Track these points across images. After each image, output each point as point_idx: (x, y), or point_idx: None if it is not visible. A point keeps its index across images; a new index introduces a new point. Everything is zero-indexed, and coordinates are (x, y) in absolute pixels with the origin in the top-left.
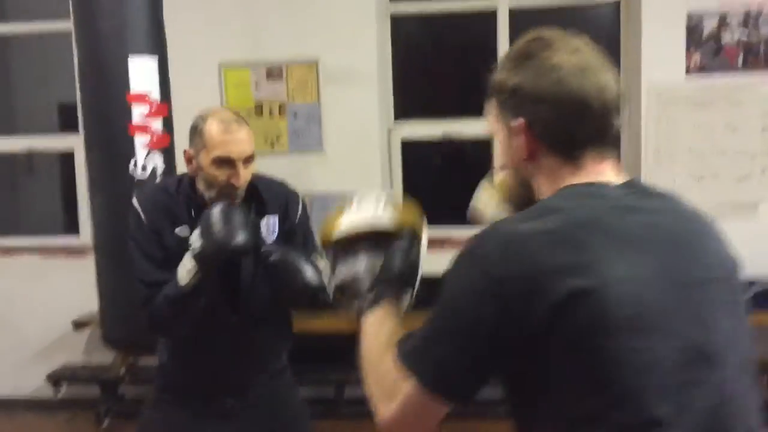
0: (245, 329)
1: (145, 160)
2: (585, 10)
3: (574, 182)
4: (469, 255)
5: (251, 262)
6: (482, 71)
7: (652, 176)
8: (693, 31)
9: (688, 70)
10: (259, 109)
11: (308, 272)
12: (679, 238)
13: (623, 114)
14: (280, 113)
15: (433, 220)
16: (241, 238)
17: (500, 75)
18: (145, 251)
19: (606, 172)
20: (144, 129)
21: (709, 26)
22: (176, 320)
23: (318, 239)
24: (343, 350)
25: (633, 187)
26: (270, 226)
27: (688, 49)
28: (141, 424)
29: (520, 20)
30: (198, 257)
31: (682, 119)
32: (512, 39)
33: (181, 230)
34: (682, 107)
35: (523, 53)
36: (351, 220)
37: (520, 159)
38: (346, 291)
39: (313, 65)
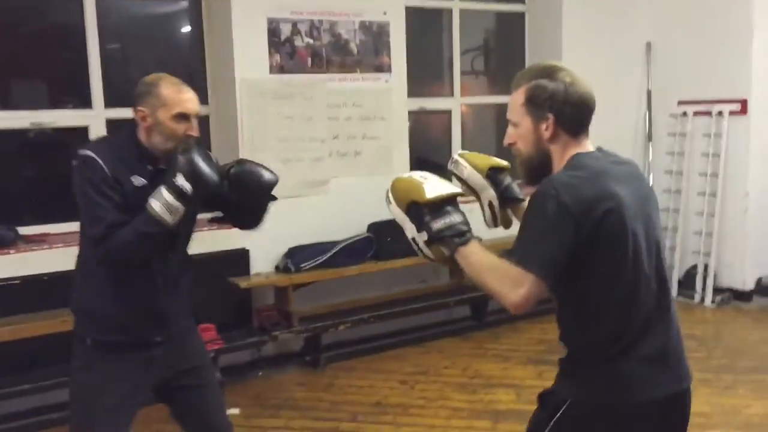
0: (175, 269)
1: None
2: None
3: (579, 152)
4: (545, 194)
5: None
6: (72, 59)
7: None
8: (272, 34)
9: (271, 69)
10: None
11: (265, 172)
12: (636, 177)
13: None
14: None
15: (28, 219)
16: (217, 175)
17: (536, 84)
18: (107, 195)
19: (589, 145)
20: None
21: (285, 31)
22: (141, 254)
23: (397, 200)
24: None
25: (602, 151)
26: None
27: (269, 50)
28: (77, 385)
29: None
30: (189, 197)
31: (269, 111)
32: (101, 25)
33: (136, 180)
34: (269, 100)
35: (548, 73)
36: (436, 188)
37: (544, 139)
38: (446, 234)
39: None
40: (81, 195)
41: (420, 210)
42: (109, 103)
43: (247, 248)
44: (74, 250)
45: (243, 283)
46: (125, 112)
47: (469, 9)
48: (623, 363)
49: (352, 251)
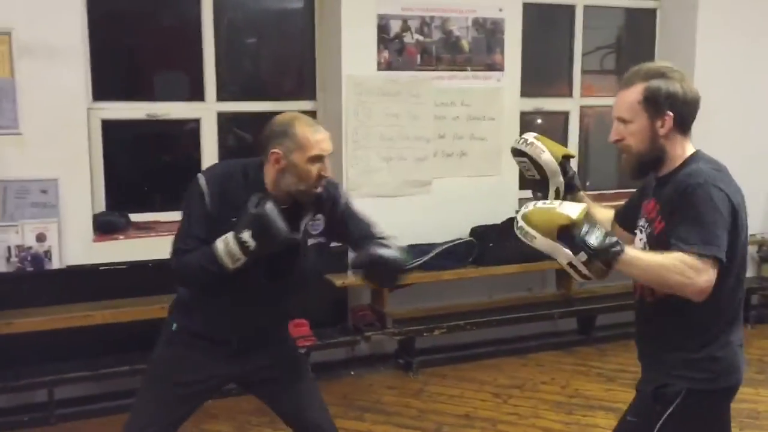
0: (273, 291)
1: None
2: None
3: (697, 150)
4: (712, 185)
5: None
6: (187, 53)
7: (352, 158)
8: (382, 31)
9: (379, 66)
10: None
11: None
12: None
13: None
14: None
15: (139, 206)
16: (286, 236)
17: (655, 84)
18: (193, 222)
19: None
20: None
21: (395, 28)
22: (201, 283)
23: (543, 232)
24: (53, 349)
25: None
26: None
27: (378, 47)
28: (154, 359)
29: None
30: (251, 253)
31: (375, 108)
32: (216, 20)
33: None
34: (375, 97)
35: (663, 73)
36: (573, 209)
37: (659, 136)
38: (605, 246)
39: (5, 35)
40: (182, 210)
41: (571, 233)
42: (221, 96)
43: (344, 246)
44: None
45: (338, 281)
46: (235, 106)
47: (594, 5)
48: (730, 349)
49: (452, 254)
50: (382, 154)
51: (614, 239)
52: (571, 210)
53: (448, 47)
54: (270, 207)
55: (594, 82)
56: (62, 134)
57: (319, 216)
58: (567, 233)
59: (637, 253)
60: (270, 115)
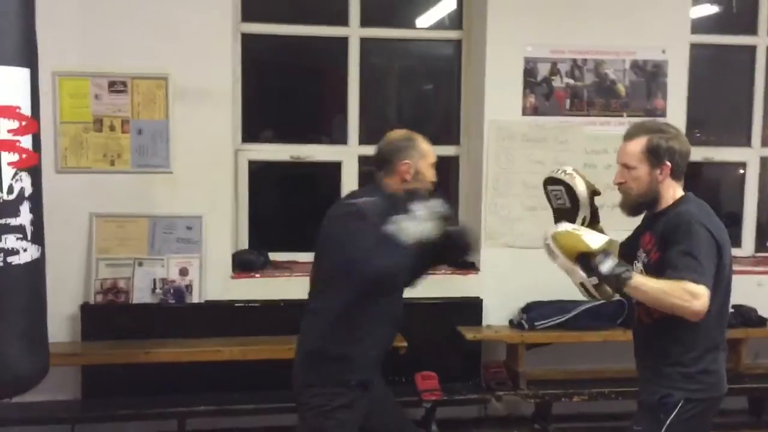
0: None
1: (12, 181)
2: (429, 42)
3: (686, 192)
4: (700, 224)
5: None
6: (332, 96)
7: (492, 205)
8: (529, 74)
9: (524, 111)
10: (98, 124)
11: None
12: None
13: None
14: (123, 129)
15: (279, 245)
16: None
17: (656, 139)
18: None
19: None
20: (11, 146)
21: (543, 71)
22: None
23: (565, 253)
24: (184, 380)
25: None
26: None
27: (524, 91)
28: (336, 427)
29: (368, 48)
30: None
31: (518, 154)
32: (362, 66)
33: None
34: (519, 143)
35: (661, 128)
36: (595, 239)
37: (658, 182)
38: (615, 273)
39: (162, 80)
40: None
41: (588, 258)
42: (363, 140)
43: (481, 297)
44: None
45: (469, 335)
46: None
47: None
48: (721, 361)
49: (598, 314)
50: (525, 203)
51: (624, 267)
52: (593, 240)
53: (602, 91)
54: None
55: None
56: (210, 174)
57: None
58: (584, 258)
59: (643, 280)
60: None
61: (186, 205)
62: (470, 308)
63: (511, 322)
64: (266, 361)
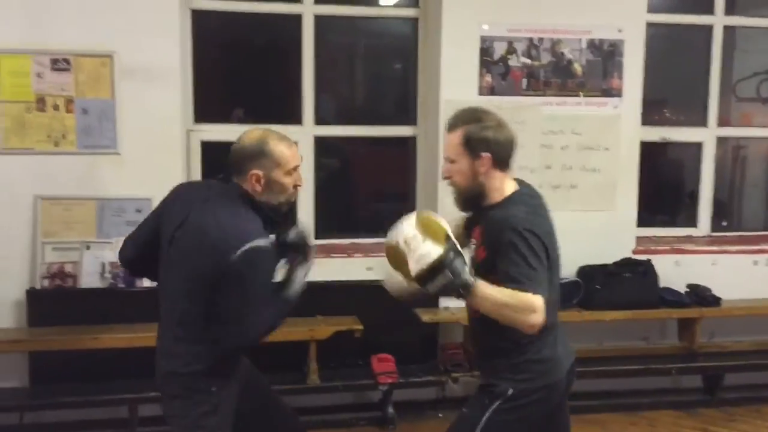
0: None
1: None
2: (385, 21)
3: (515, 190)
4: (527, 231)
5: None
6: (287, 75)
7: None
8: (485, 53)
9: (480, 90)
10: (41, 103)
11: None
12: (545, 207)
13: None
14: (67, 109)
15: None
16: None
17: (472, 129)
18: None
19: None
20: None
21: (499, 51)
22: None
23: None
24: (135, 365)
25: (522, 184)
26: None
27: (480, 71)
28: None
29: (324, 26)
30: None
31: None
32: (318, 44)
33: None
34: None
35: (478, 117)
36: (419, 260)
37: (480, 174)
38: (446, 293)
39: (107, 57)
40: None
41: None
42: (318, 120)
43: None
44: None
45: (426, 317)
46: (332, 130)
47: (748, 26)
48: (551, 346)
49: None
50: None
51: (458, 284)
52: (415, 263)
53: (559, 71)
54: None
55: (753, 110)
56: (159, 155)
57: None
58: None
59: (488, 290)
60: (367, 140)
61: (134, 186)
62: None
63: None
64: None
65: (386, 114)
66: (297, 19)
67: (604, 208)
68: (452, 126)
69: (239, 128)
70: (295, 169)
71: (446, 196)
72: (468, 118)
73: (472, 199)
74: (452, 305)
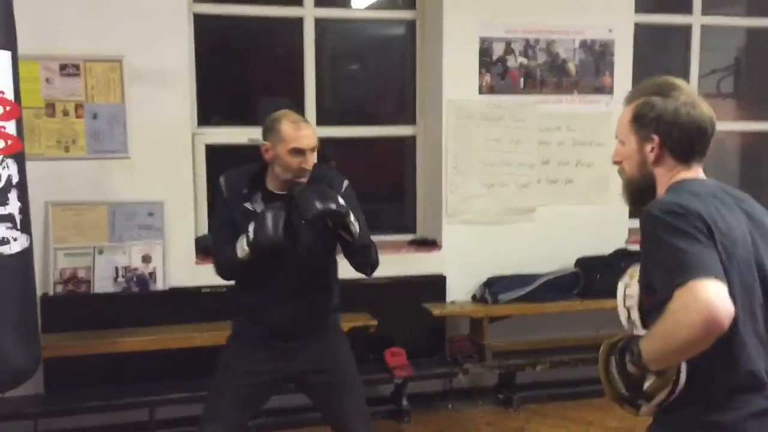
0: (292, 283)
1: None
2: (384, 24)
3: (686, 177)
4: (661, 210)
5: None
6: (288, 77)
7: (452, 183)
8: (484, 54)
9: (480, 90)
10: (50, 109)
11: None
12: (752, 208)
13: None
14: (77, 114)
15: None
16: (278, 238)
17: (645, 102)
18: (219, 218)
19: (701, 173)
20: None
21: (498, 51)
22: (234, 274)
23: None
24: (152, 369)
25: (716, 182)
26: None
27: (480, 70)
28: (222, 353)
29: (323, 29)
30: (250, 246)
31: (476, 133)
32: (318, 47)
33: (248, 205)
34: (477, 122)
35: (662, 89)
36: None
37: (648, 161)
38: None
39: (116, 62)
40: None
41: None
42: (321, 121)
43: (444, 274)
44: None
45: (436, 311)
46: (334, 131)
47: (713, 25)
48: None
49: (556, 286)
50: (484, 180)
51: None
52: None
53: (554, 70)
54: (271, 209)
55: (715, 105)
56: (169, 158)
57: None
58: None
59: (645, 348)
60: (369, 141)
61: (146, 191)
62: (434, 285)
63: (474, 296)
64: None
65: (384, 115)
66: (298, 22)
67: (599, 202)
68: (629, 98)
69: (241, 131)
70: (300, 151)
71: (450, 193)
72: (650, 89)
73: (638, 193)
74: (458, 299)
